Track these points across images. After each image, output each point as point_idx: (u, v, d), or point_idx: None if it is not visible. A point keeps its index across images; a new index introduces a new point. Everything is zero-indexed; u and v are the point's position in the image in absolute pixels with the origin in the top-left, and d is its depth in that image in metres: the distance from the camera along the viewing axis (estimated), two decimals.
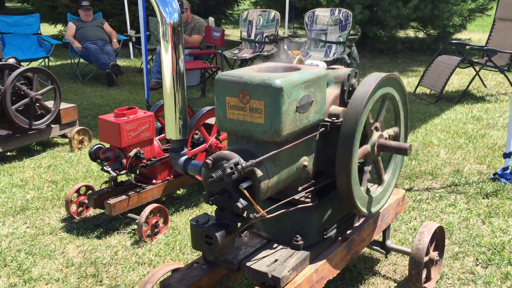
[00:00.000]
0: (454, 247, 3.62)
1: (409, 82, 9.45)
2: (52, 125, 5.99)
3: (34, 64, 9.82)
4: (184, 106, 2.42)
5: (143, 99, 8.39)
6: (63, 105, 6.14)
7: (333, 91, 2.73)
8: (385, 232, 3.33)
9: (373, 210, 2.86)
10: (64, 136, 6.29)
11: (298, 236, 2.58)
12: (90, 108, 8.03)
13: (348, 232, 2.88)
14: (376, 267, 3.43)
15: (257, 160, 2.22)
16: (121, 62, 12.02)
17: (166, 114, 2.40)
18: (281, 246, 2.61)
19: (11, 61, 5.89)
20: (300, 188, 2.56)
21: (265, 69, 2.51)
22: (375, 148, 2.73)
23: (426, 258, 3.10)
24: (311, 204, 2.59)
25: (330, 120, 2.61)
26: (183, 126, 2.44)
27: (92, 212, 4.38)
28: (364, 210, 2.74)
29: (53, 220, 4.26)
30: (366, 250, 3.57)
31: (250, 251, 2.58)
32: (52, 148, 6.15)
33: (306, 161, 2.53)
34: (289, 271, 2.39)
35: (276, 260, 2.48)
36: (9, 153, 6.00)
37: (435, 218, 4.10)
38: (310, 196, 2.62)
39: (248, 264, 2.44)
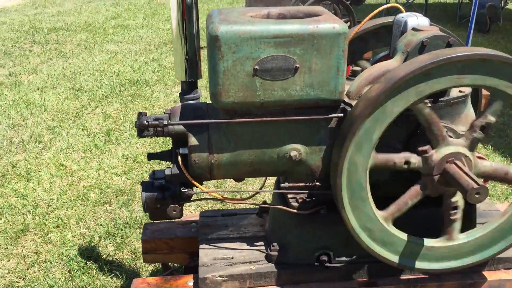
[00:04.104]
0: None
1: None
2: None
3: None
4: (192, 43, 2.07)
5: None
6: None
7: (385, 65, 1.74)
8: None
9: (425, 265, 1.79)
10: None
11: (275, 244, 1.93)
12: None
13: (392, 278, 1.93)
14: None
15: (178, 122, 1.75)
16: None
17: (174, 51, 2.12)
18: (263, 248, 2.02)
19: None
20: (284, 184, 1.85)
21: (276, 14, 1.82)
22: (434, 171, 1.64)
23: None
24: (294, 211, 1.85)
25: (353, 104, 1.72)
26: (189, 68, 2.10)
27: None
28: (389, 254, 1.76)
29: None
30: None
31: (230, 235, 2.11)
32: None
33: (299, 151, 1.78)
34: (222, 277, 1.86)
35: (231, 258, 1.96)
36: None
37: None
38: (302, 200, 1.87)
39: (201, 246, 2.03)
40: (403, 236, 1.75)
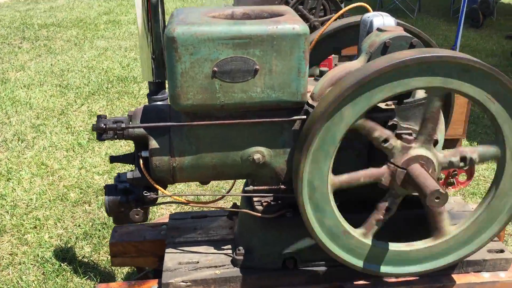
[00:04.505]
0: None
1: None
2: None
3: None
4: (159, 43, 2.03)
5: None
6: None
7: (349, 66, 1.70)
8: None
9: (391, 270, 1.76)
10: None
11: (241, 248, 1.89)
12: None
13: (359, 282, 1.90)
14: None
15: (136, 125, 1.71)
16: None
17: (140, 50, 2.08)
18: (230, 252, 1.98)
19: None
20: (248, 187, 1.82)
21: (240, 14, 1.78)
22: (395, 176, 1.61)
23: None
24: (258, 214, 1.82)
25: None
26: (156, 68, 2.06)
27: None
28: (352, 259, 1.73)
29: None
30: None
31: (198, 239, 2.07)
32: None
33: (263, 154, 1.74)
34: (186, 282, 1.83)
35: (197, 263, 1.93)
36: None
37: None
38: (266, 203, 1.84)
39: (167, 250, 2.00)
40: (367, 240, 1.72)
